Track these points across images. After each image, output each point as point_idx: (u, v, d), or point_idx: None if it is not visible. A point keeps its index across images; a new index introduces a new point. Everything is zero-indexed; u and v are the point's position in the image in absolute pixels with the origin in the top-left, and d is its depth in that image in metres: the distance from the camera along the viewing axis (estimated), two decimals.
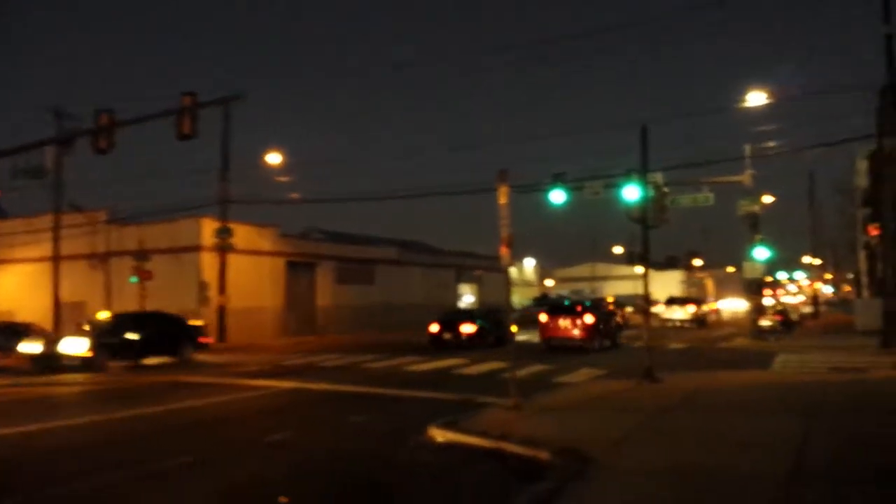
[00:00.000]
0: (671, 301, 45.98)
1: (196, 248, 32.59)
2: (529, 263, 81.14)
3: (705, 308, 46.74)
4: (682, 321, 42.15)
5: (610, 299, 48.03)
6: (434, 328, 27.01)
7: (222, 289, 31.25)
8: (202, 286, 32.35)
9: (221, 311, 31.10)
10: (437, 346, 26.07)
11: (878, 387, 12.86)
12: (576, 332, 24.53)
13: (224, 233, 31.58)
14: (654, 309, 45.74)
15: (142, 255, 30.58)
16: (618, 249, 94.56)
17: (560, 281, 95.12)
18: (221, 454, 8.72)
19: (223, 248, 31.47)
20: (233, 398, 13.50)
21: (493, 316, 27.75)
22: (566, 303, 28.87)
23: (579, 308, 25.60)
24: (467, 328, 26.46)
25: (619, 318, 30.08)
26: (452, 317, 28.18)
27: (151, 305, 30.09)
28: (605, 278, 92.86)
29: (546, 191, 26.44)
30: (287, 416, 11.71)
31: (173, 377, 17.14)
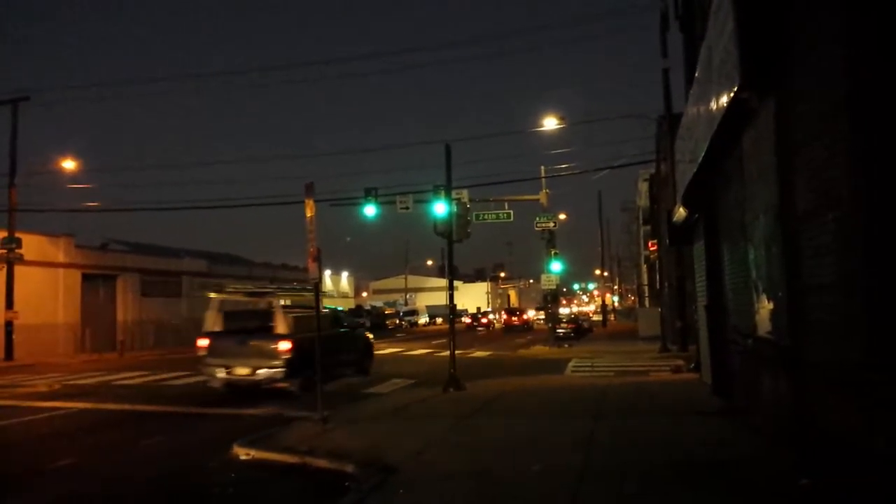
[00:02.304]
0: (539, 308, 71.92)
1: None
2: (345, 276, 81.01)
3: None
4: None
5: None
6: (466, 320, 64.05)
7: (10, 303, 28.57)
8: None
9: (8, 327, 28.42)
10: (471, 330, 56.06)
11: (657, 389, 14.04)
12: (518, 322, 56.28)
13: (11, 242, 28.91)
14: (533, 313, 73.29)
15: None
16: (430, 262, 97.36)
17: (375, 293, 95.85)
18: None
19: (10, 259, 28.80)
20: (15, 422, 12.37)
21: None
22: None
23: (520, 311, 63.31)
24: (485, 319, 62.80)
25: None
26: (478, 314, 65.45)
27: None
28: (419, 290, 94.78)
29: (359, 205, 26.91)
30: (76, 439, 10.90)
31: None
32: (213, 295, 17.02)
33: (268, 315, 16.02)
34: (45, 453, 9.65)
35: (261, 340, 15.33)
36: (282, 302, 16.27)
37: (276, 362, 14.76)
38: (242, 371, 15.09)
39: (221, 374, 15.28)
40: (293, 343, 14.57)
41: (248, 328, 16.40)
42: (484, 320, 62.20)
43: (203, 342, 15.75)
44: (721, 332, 11.24)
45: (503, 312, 66.21)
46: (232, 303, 17.71)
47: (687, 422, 9.77)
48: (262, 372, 14.88)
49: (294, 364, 14.52)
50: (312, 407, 10.84)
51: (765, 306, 7.52)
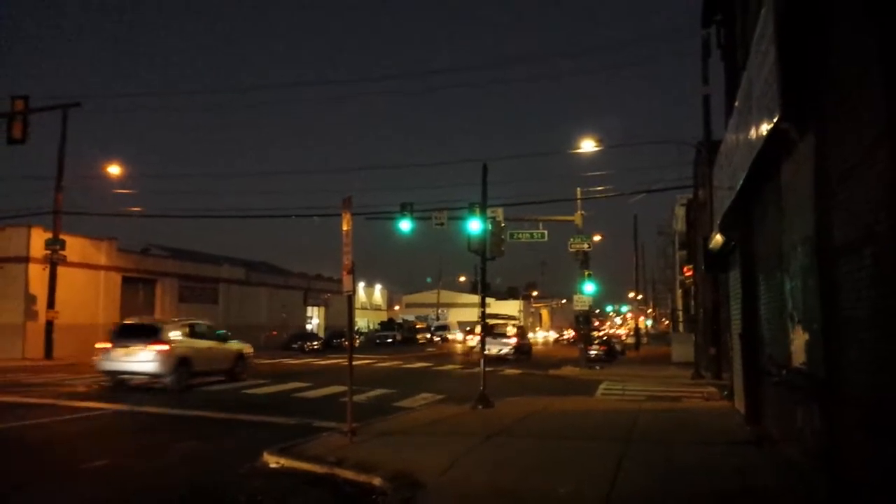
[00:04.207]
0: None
1: (24, 260, 30.49)
2: (378, 289, 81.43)
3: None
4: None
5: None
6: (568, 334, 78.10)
7: (52, 303, 29.32)
8: (29, 299, 30.23)
9: (49, 327, 29.15)
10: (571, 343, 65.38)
11: (688, 416, 13.87)
12: (568, 336, 73.19)
13: (55, 244, 29.72)
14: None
15: None
16: (462, 278, 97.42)
17: (407, 307, 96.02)
18: (36, 481, 8.25)
19: (54, 260, 29.59)
20: (52, 420, 12.71)
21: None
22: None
23: (570, 329, 72.87)
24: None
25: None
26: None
27: None
28: (451, 305, 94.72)
29: (395, 219, 27.18)
30: (111, 440, 11.20)
31: None
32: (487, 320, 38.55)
33: (505, 326, 41.37)
34: (80, 453, 9.89)
35: (502, 337, 37.43)
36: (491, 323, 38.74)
37: (509, 347, 36.56)
38: (493, 350, 33.87)
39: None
40: (517, 339, 33.31)
41: (493, 332, 36.76)
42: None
43: (471, 337, 41.93)
44: (755, 362, 11.12)
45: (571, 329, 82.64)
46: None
47: (718, 450, 9.67)
48: (503, 351, 35.99)
49: (515, 348, 33.85)
50: (343, 418, 10.93)
51: (800, 337, 7.45)
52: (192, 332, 20.14)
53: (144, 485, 8.23)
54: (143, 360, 18.00)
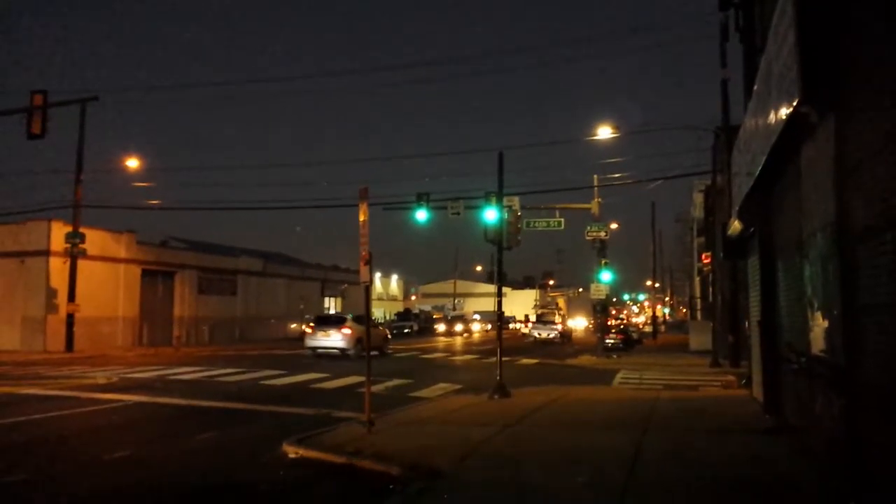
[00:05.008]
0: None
1: (44, 253, 30.78)
2: (394, 279, 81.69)
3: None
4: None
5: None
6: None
7: (72, 296, 29.60)
8: (50, 293, 30.57)
9: (70, 320, 29.46)
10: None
11: (706, 404, 13.76)
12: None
13: (75, 237, 29.99)
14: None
15: None
16: (479, 268, 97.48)
17: (424, 297, 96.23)
18: (60, 471, 8.36)
19: (74, 253, 29.86)
20: (74, 412, 12.85)
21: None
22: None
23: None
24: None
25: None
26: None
27: None
28: (467, 295, 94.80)
29: (411, 209, 27.24)
30: (132, 431, 11.31)
31: (9, 388, 16.10)
32: (540, 309, 63.28)
33: (553, 314, 51.49)
34: (102, 444, 9.99)
35: (550, 324, 47.27)
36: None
37: (555, 332, 45.92)
38: (543, 335, 45.62)
39: (536, 335, 46.24)
40: (561, 325, 42.80)
41: (543, 319, 49.10)
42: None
43: (529, 325, 54.71)
44: (774, 349, 11.02)
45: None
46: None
47: (736, 439, 9.64)
48: (551, 335, 45.47)
49: (560, 333, 42.19)
50: (361, 408, 10.96)
51: (819, 324, 7.36)
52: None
53: (165, 474, 8.33)
54: (335, 339, 27.19)
